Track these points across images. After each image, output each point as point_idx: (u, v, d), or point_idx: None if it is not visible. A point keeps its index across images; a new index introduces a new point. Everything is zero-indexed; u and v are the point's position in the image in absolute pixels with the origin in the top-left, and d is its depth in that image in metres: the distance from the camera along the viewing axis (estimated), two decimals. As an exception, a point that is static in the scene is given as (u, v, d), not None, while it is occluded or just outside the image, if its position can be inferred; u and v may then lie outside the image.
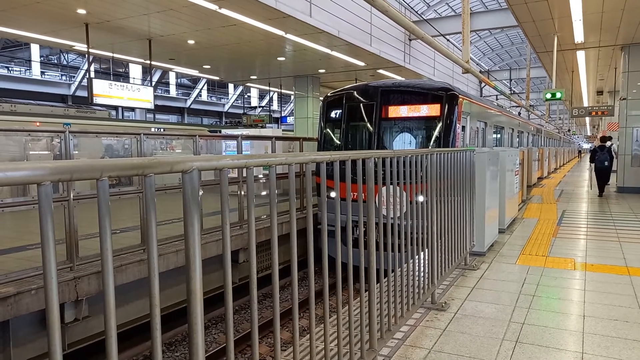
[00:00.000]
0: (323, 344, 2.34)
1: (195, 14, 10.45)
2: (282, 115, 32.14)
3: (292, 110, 23.20)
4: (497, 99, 30.15)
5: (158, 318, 1.35)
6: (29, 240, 6.48)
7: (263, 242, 7.48)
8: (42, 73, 28.83)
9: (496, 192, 6.43)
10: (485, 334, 3.41)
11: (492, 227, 6.19)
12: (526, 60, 24.49)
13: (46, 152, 11.12)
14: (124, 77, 30.77)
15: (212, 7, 9.78)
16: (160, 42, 12.98)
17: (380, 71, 17.88)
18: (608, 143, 12.80)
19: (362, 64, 16.37)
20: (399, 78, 18.35)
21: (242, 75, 20.05)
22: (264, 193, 9.74)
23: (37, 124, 13.31)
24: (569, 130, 47.88)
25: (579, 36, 12.30)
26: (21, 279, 4.76)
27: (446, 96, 8.07)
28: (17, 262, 5.40)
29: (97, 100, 12.11)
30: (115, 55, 15.22)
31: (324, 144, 9.20)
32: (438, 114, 8.06)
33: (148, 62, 13.91)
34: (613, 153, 13.13)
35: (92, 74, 24.12)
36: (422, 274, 3.66)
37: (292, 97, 22.24)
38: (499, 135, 12.63)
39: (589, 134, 67.64)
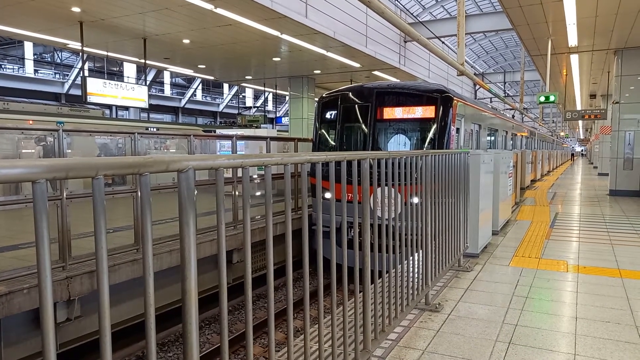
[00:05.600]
0: (317, 344, 2.34)
1: (191, 14, 10.42)
2: (277, 115, 32.11)
3: (287, 110, 23.20)
4: (491, 102, 30.31)
5: (153, 318, 1.34)
6: (21, 239, 6.44)
7: (257, 242, 7.49)
8: (36, 71, 28.64)
9: (490, 194, 6.46)
10: (479, 335, 3.42)
11: (486, 229, 6.22)
12: (520, 63, 24.63)
13: (31, 151, 11.01)
14: (118, 75, 30.65)
15: (208, 6, 9.76)
16: (155, 41, 12.93)
17: (376, 72, 17.91)
18: None
19: (357, 65, 16.39)
20: (394, 80, 18.39)
21: (237, 75, 20.02)
22: (258, 193, 9.73)
23: (30, 122, 13.22)
24: (562, 133, 48.16)
25: (572, 40, 12.38)
26: (13, 278, 4.73)
27: (441, 98, 8.10)
28: (9, 261, 5.36)
29: (91, 99, 12.04)
30: (110, 54, 15.15)
31: (319, 144, 9.20)
32: (433, 115, 8.09)
33: (143, 61, 13.86)
34: None
35: (86, 73, 23.99)
36: (416, 276, 3.66)
37: (287, 97, 22.23)
38: (492, 138, 12.68)
39: (581, 137, 68.17)
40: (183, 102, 37.16)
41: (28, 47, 27.29)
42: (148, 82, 24.98)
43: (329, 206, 2.39)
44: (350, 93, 8.91)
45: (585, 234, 7.49)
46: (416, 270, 3.65)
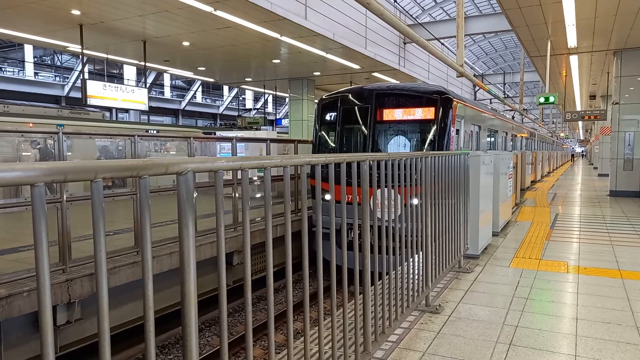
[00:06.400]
0: (317, 346, 2.33)
1: (191, 16, 10.42)
2: (277, 117, 32.12)
3: (287, 112, 23.20)
4: (491, 103, 30.32)
5: (152, 321, 1.34)
6: (22, 242, 6.44)
7: (257, 244, 7.48)
8: (36, 74, 28.66)
9: (490, 195, 6.46)
10: (479, 337, 3.42)
11: (486, 230, 6.22)
12: (520, 64, 24.65)
13: (28, 154, 11.01)
14: (118, 78, 30.66)
15: (208, 9, 9.76)
16: (154, 44, 12.94)
17: (375, 74, 17.91)
18: None
19: (357, 67, 16.40)
20: (393, 81, 18.40)
21: (237, 77, 20.03)
22: (258, 195, 9.73)
23: (30, 125, 13.23)
24: (562, 134, 48.15)
25: (572, 41, 12.39)
26: (13, 280, 4.72)
27: (441, 99, 8.10)
28: (10, 264, 5.35)
29: (91, 101, 12.04)
30: (110, 57, 15.16)
31: (319, 146, 9.20)
32: (432, 117, 8.09)
33: (142, 63, 13.87)
34: None
35: (86, 75, 24.00)
36: (416, 277, 3.66)
37: (287, 99, 22.24)
38: (492, 139, 12.68)
39: (581, 138, 68.17)
40: (183, 104, 37.16)
41: (28, 50, 27.30)
42: (148, 85, 25.01)
43: (329, 208, 2.39)
44: (350, 95, 8.92)
45: (586, 235, 7.48)
46: (416, 271, 3.65)
